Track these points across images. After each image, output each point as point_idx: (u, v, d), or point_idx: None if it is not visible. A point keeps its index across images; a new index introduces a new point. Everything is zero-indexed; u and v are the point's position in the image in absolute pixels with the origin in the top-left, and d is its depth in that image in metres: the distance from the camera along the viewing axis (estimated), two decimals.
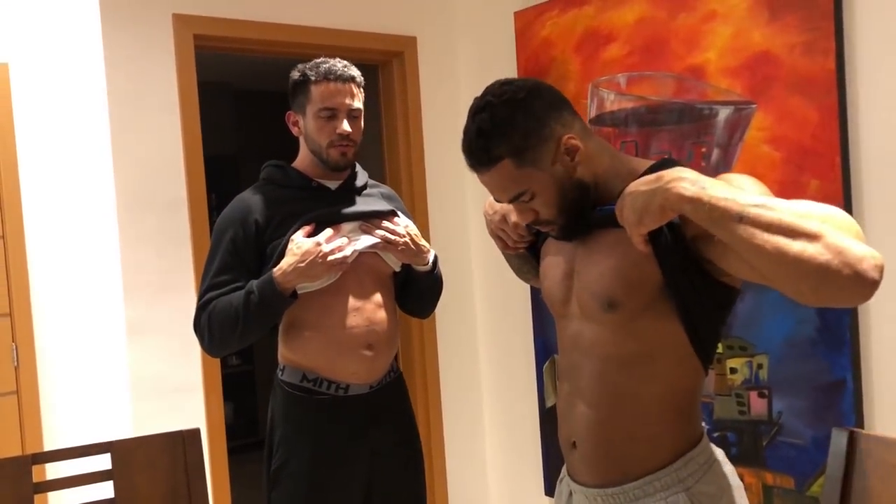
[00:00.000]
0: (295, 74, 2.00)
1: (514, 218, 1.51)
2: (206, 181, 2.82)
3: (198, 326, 1.94)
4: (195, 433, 1.82)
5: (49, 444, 3.18)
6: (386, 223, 2.01)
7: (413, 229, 2.05)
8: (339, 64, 1.97)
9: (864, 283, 1.03)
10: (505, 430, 3.38)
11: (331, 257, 1.87)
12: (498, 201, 1.46)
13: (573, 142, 1.31)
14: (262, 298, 1.85)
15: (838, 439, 1.48)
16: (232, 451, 2.91)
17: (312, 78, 1.95)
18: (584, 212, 1.36)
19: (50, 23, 3.07)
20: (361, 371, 1.96)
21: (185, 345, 2.61)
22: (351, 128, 1.96)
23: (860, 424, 2.17)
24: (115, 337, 2.71)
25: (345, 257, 1.90)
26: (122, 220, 2.65)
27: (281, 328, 2.00)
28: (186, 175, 2.76)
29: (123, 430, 2.65)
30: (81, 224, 2.94)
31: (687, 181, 1.15)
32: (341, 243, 1.91)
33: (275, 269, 1.86)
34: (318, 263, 1.85)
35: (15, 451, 3.07)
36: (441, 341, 3.36)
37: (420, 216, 3.28)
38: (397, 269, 2.07)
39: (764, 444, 2.39)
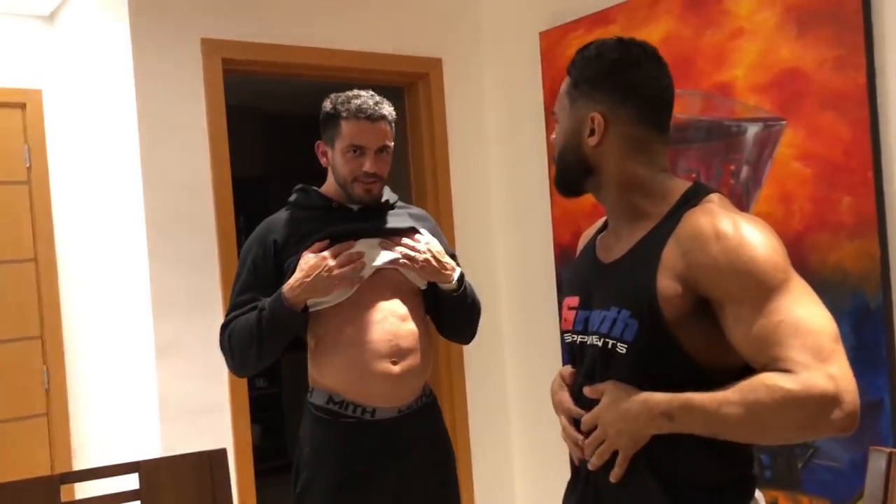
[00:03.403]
0: (327, 106, 1.98)
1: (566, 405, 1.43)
2: (235, 203, 2.84)
3: (222, 346, 1.98)
4: (221, 454, 1.82)
5: (78, 465, 3.20)
6: (406, 240, 1.98)
7: (435, 247, 2.01)
8: (370, 101, 1.94)
9: (843, 432, 1.09)
10: (533, 453, 3.34)
11: (337, 271, 1.85)
12: None
13: (596, 125, 1.33)
14: (273, 314, 1.86)
15: (877, 460, 1.45)
16: (259, 474, 2.90)
17: (343, 114, 1.93)
18: (577, 187, 1.40)
19: (82, 48, 3.13)
20: (387, 391, 1.91)
21: (213, 366, 2.62)
22: (377, 165, 1.95)
23: None
24: (144, 358, 2.73)
25: (353, 268, 1.88)
26: (152, 242, 2.67)
27: (309, 349, 2.00)
28: (215, 197, 2.78)
29: (152, 450, 2.65)
30: (112, 247, 2.97)
31: (659, 419, 1.18)
32: (352, 258, 1.89)
33: (284, 285, 1.87)
34: (322, 277, 1.85)
35: (44, 472, 3.09)
36: (468, 364, 3.33)
37: (446, 238, 3.25)
38: (423, 286, 2.04)
39: (799, 466, 2.33)
